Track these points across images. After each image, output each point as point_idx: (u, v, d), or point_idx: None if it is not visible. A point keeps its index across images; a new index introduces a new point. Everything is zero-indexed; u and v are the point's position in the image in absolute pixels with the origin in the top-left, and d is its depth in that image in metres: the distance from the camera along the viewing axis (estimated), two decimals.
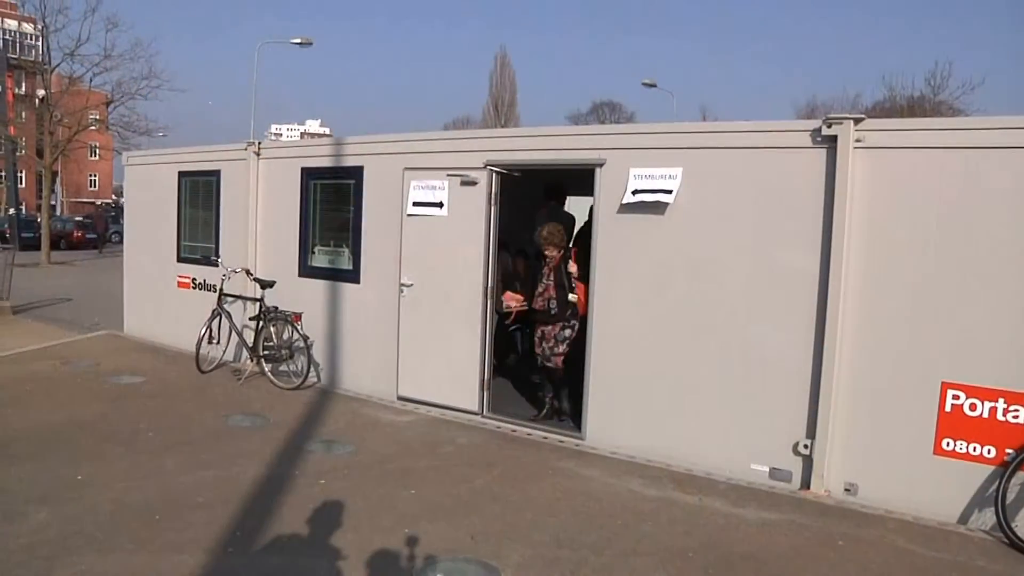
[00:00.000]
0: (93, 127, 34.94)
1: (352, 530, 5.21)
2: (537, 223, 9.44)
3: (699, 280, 6.76)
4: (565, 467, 6.68)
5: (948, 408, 5.84)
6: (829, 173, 6.20)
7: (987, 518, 5.65)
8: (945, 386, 5.85)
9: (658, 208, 6.86)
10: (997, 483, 5.55)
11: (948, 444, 5.85)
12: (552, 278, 7.71)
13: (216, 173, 10.79)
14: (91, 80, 31.29)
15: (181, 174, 11.40)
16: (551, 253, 7.74)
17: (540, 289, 7.81)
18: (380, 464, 6.63)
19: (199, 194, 11.19)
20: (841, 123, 6.13)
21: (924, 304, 5.93)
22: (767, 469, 6.49)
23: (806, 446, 6.31)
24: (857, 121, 6.12)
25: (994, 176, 5.71)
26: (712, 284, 6.70)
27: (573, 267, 7.58)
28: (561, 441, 7.38)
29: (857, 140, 6.08)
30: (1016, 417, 5.63)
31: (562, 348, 7.76)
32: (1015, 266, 5.63)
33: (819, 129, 6.25)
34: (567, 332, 7.74)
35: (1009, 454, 5.62)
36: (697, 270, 6.77)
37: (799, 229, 6.35)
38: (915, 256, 5.96)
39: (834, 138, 6.14)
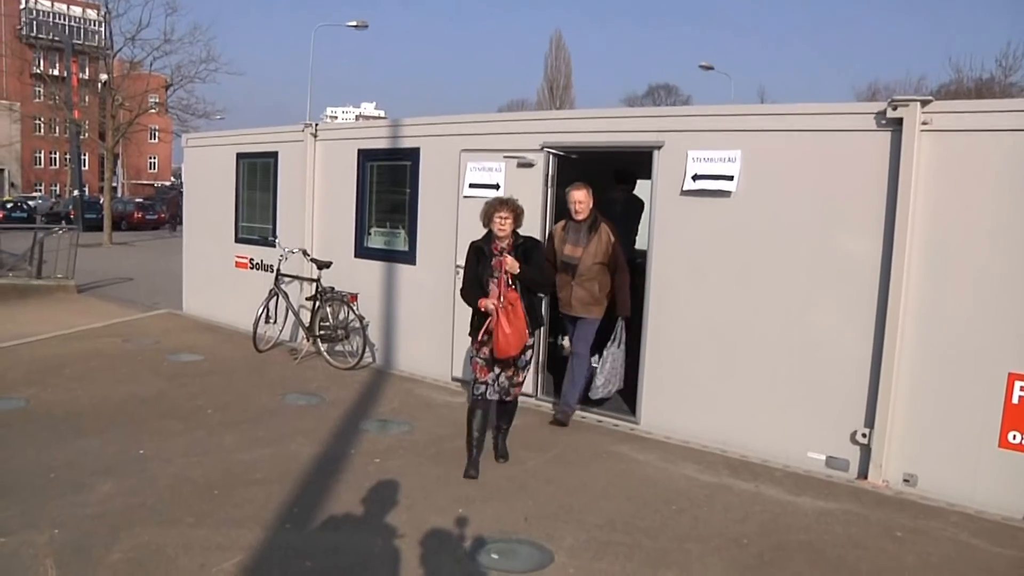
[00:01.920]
0: (153, 110, 35.71)
1: (406, 509, 5.25)
2: (608, 207, 9.47)
3: (757, 264, 6.66)
4: (619, 451, 6.65)
5: (1015, 400, 5.67)
6: (893, 157, 6.03)
7: None
8: (1012, 377, 5.67)
9: (719, 193, 6.76)
10: None
11: (1015, 437, 5.68)
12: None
13: (274, 155, 10.89)
14: (151, 64, 31.96)
15: (239, 156, 11.54)
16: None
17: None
18: (435, 444, 6.66)
19: (257, 175, 11.32)
20: (907, 105, 5.96)
21: (991, 293, 5.75)
22: (824, 457, 6.38)
23: (864, 435, 6.19)
24: (924, 103, 5.95)
25: None
26: (771, 269, 6.59)
27: (509, 262, 5.88)
28: (616, 425, 7.35)
29: (924, 123, 5.90)
30: None
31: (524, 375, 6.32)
32: None
33: (884, 111, 6.08)
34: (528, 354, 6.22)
35: None
36: (755, 254, 6.66)
37: (861, 214, 6.21)
38: (983, 243, 5.77)
39: (899, 121, 5.97)
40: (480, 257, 5.99)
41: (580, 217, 7.13)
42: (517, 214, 5.97)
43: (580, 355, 7.36)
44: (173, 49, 31.08)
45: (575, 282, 7.17)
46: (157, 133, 56.61)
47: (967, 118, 5.93)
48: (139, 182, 71.75)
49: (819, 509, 5.60)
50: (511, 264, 5.83)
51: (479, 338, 5.94)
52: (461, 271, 8.66)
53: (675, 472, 6.22)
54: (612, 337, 7.31)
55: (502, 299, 5.81)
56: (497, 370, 6.02)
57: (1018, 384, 5.66)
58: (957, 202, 5.87)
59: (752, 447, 6.64)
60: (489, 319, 5.83)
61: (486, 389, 6.03)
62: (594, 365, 7.47)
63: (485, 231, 6.08)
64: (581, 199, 7.10)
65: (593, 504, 5.50)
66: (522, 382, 6.28)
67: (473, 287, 6.00)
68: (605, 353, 7.33)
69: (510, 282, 5.92)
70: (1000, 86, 29.00)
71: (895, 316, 6.01)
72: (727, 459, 6.53)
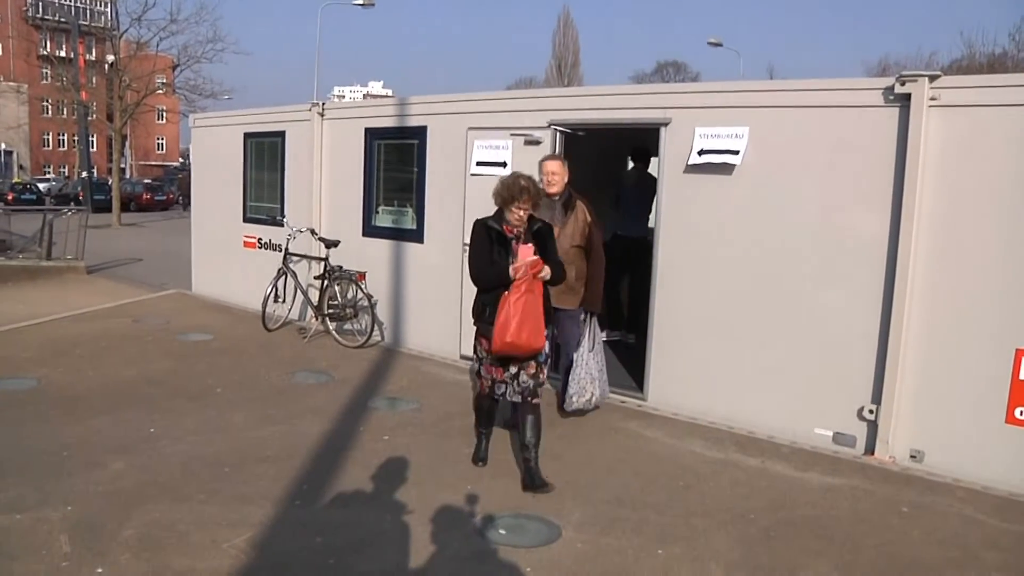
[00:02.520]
0: (160, 91, 35.64)
1: (416, 485, 5.29)
2: (624, 185, 9.46)
3: (765, 241, 6.65)
4: (627, 427, 6.68)
5: (1023, 376, 5.67)
6: (901, 132, 6.00)
7: None
8: (1020, 353, 5.66)
9: (724, 168, 6.74)
10: None
11: (1022, 413, 5.68)
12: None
13: (281, 134, 10.89)
14: (158, 44, 31.94)
15: (247, 135, 11.54)
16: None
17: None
18: (443, 421, 6.70)
19: (264, 155, 11.33)
20: (915, 80, 5.92)
21: (999, 269, 5.73)
22: (831, 434, 6.39)
23: (871, 411, 6.20)
24: (932, 78, 5.91)
25: None
26: (778, 245, 6.58)
27: (539, 267, 5.30)
28: (623, 401, 7.37)
29: (932, 98, 5.86)
30: None
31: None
32: None
33: (892, 87, 6.03)
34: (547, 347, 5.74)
35: None
36: (763, 230, 6.65)
37: (869, 190, 6.18)
38: (991, 219, 5.75)
39: (907, 96, 5.93)
40: (492, 240, 5.35)
41: (553, 190, 6.49)
42: (537, 203, 5.38)
43: (573, 353, 6.67)
44: (180, 29, 31.18)
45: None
46: (165, 114, 56.64)
47: (975, 93, 5.89)
48: (147, 163, 71.80)
49: (826, 485, 5.62)
50: (542, 270, 5.24)
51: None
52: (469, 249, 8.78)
53: (682, 448, 6.25)
54: (581, 338, 6.61)
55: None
56: (514, 368, 5.37)
57: None
58: (965, 178, 5.84)
59: (759, 424, 6.65)
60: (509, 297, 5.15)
61: (506, 389, 5.42)
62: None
63: (496, 210, 5.46)
64: (555, 170, 6.53)
65: (601, 480, 5.53)
66: (544, 380, 5.59)
67: (490, 267, 5.32)
68: (575, 358, 6.60)
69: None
70: (1013, 61, 28.66)
71: (902, 292, 6.00)
72: (734, 435, 6.55)
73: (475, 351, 5.61)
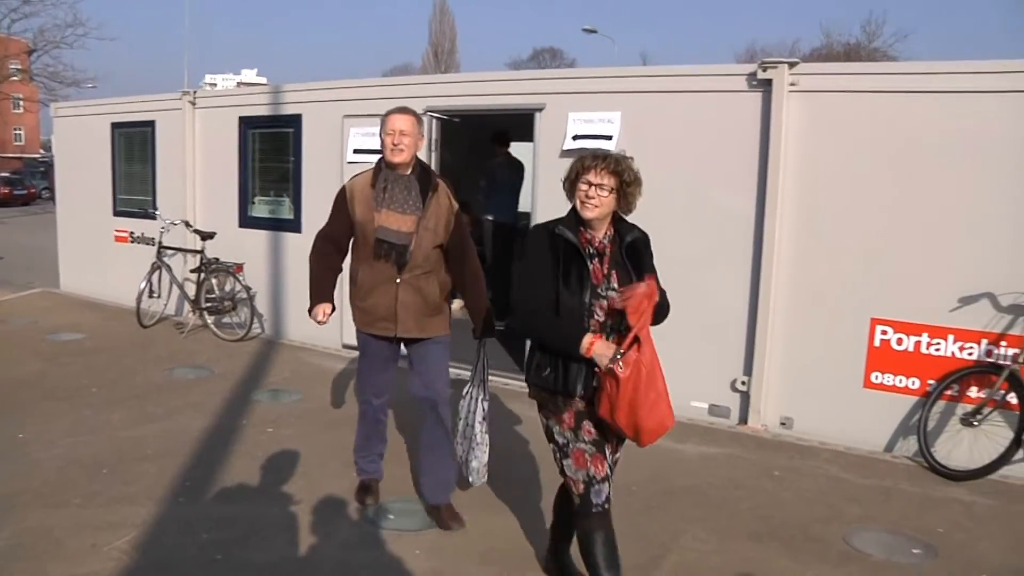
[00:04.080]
0: (15, 78, 33.83)
1: (302, 476, 5.28)
2: (489, 171, 9.47)
3: (640, 222, 6.84)
4: (511, 409, 6.80)
5: (877, 343, 6.09)
6: (764, 116, 6.34)
7: (911, 445, 5.95)
8: (874, 322, 6.08)
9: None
10: (920, 413, 5.83)
11: (876, 377, 6.10)
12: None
13: (151, 124, 10.57)
14: (9, 27, 30.20)
15: (114, 125, 11.14)
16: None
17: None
18: (328, 411, 6.70)
19: (134, 145, 10.97)
20: (776, 67, 6.25)
21: (855, 244, 6.13)
22: (707, 406, 6.69)
23: (743, 383, 6.52)
24: (791, 65, 6.25)
25: (921, 119, 5.89)
26: (653, 226, 6.74)
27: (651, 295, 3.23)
28: (506, 384, 7.48)
29: (791, 84, 6.21)
30: (938, 350, 5.92)
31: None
32: (938, 207, 5.85)
33: (755, 73, 6.36)
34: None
35: (931, 385, 5.91)
36: (637, 212, 6.85)
37: (736, 172, 6.48)
38: (847, 198, 6.15)
39: (769, 82, 6.26)
40: (559, 255, 3.40)
41: (399, 159, 4.45)
42: (626, 182, 3.45)
43: (440, 405, 4.68)
44: (34, 11, 29.69)
45: (402, 278, 4.50)
46: (22, 103, 53.71)
47: (830, 80, 6.29)
48: (4, 155, 68.08)
49: (703, 455, 5.90)
50: (650, 294, 3.23)
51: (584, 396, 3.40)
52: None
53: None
54: (472, 380, 4.60)
55: (621, 353, 3.19)
56: (612, 453, 3.53)
57: (879, 328, 6.07)
58: (824, 160, 6.21)
59: (690, 409, 6.88)
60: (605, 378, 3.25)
61: (609, 490, 3.44)
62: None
63: (569, 209, 3.52)
64: (405, 128, 4.46)
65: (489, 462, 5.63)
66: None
67: (548, 310, 3.37)
68: (463, 408, 4.57)
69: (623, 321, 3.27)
70: (866, 51, 30.50)
71: (769, 268, 6.33)
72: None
73: (550, 435, 3.55)
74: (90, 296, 11.52)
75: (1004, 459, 5.44)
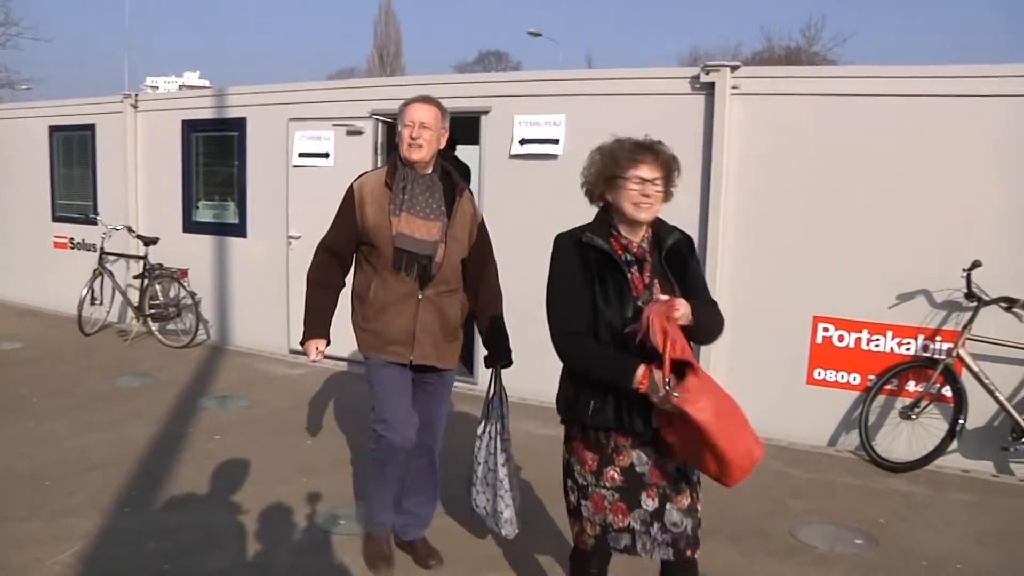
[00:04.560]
0: None
1: (251, 483, 5.24)
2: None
3: (576, 224, 6.92)
4: (459, 411, 6.80)
5: (819, 340, 6.24)
6: (708, 119, 6.45)
7: (852, 439, 6.12)
8: (816, 320, 6.23)
9: (545, 156, 6.99)
10: (861, 407, 5.99)
11: (819, 374, 6.26)
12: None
13: (91, 127, 10.37)
14: None
15: (52, 128, 10.90)
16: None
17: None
18: (275, 417, 6.65)
19: (73, 149, 10.76)
20: (718, 71, 6.37)
21: (797, 243, 6.28)
22: None
23: None
24: (733, 69, 6.38)
25: (858, 121, 6.05)
26: None
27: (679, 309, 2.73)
28: (455, 386, 7.48)
29: (733, 87, 6.34)
30: (877, 346, 6.09)
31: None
32: (876, 206, 6.01)
33: (698, 76, 6.48)
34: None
35: (871, 380, 6.07)
36: (581, 215, 6.90)
37: (682, 173, 6.56)
38: (788, 198, 6.29)
39: (712, 85, 6.38)
40: (590, 268, 2.94)
41: (418, 156, 3.88)
42: (671, 171, 3.04)
43: (436, 451, 4.34)
44: None
45: (424, 294, 3.94)
46: None
47: (771, 83, 6.43)
48: None
49: None
50: (681, 311, 2.71)
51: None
52: (294, 242, 8.85)
53: (515, 429, 6.37)
54: (486, 414, 3.96)
55: (669, 381, 2.64)
56: (652, 499, 2.91)
57: (821, 326, 6.21)
58: (765, 161, 6.35)
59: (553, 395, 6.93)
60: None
61: (635, 540, 2.93)
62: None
63: (597, 207, 3.17)
64: (426, 120, 3.89)
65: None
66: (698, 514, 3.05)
67: (589, 334, 2.88)
68: (480, 451, 3.93)
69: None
70: (806, 55, 31.11)
71: (713, 268, 6.44)
72: (528, 406, 6.78)
73: (568, 474, 3.08)
74: (29, 304, 11.26)
75: (940, 450, 5.62)
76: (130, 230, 9.56)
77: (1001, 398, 5.63)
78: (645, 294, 2.88)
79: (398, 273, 3.88)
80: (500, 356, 4.17)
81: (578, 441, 3.00)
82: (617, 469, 2.92)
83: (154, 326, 9.25)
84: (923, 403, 5.84)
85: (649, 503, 2.91)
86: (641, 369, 2.72)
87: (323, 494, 5.08)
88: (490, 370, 4.08)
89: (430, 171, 4.01)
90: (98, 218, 9.89)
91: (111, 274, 9.52)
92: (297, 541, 4.50)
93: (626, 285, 2.88)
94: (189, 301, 9.01)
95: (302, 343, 4.07)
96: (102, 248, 9.51)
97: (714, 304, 3.00)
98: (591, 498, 2.97)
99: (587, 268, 2.93)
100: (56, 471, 5.37)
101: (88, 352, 8.82)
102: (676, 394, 2.61)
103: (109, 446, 5.88)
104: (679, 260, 3.01)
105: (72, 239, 10.77)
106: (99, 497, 4.95)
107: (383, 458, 4.04)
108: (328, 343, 4.07)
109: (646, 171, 2.92)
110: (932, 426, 5.81)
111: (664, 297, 2.75)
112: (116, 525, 4.61)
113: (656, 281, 2.93)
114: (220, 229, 9.26)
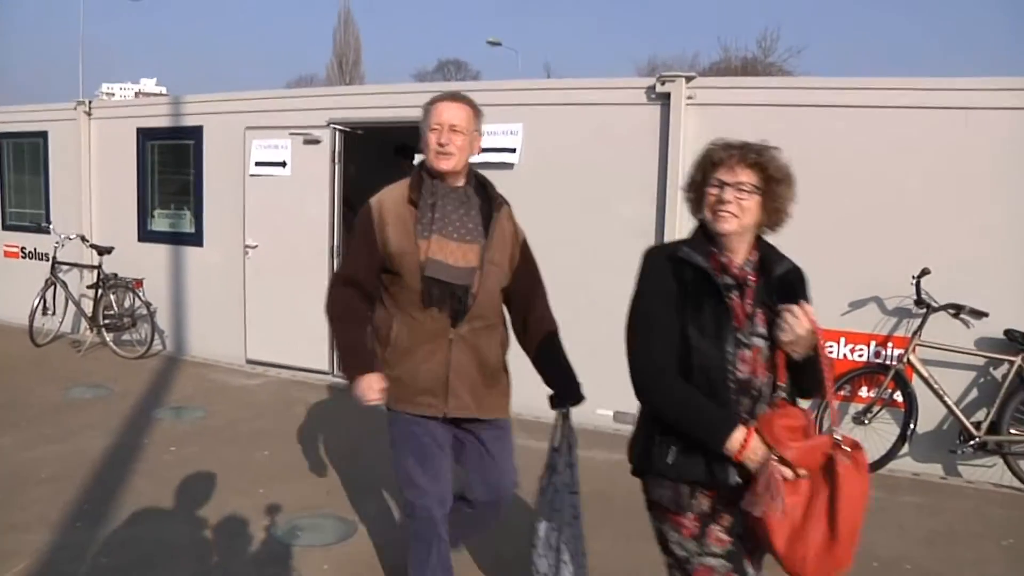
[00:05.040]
0: None
1: (207, 495, 5.18)
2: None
3: (541, 231, 6.90)
4: None
5: None
6: (664, 128, 6.53)
7: None
8: None
9: (503, 166, 7.01)
10: (816, 412, 6.05)
11: None
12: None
13: (43, 134, 10.22)
14: None
15: (2, 135, 10.72)
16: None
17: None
18: (232, 427, 6.59)
19: (24, 157, 10.58)
20: (674, 81, 6.45)
21: None
22: (612, 412, 6.81)
23: None
24: (688, 79, 6.47)
25: (811, 132, 6.15)
26: (556, 237, 6.88)
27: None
28: None
29: (688, 97, 6.43)
30: (831, 352, 6.18)
31: None
32: (829, 215, 6.10)
33: (654, 86, 6.56)
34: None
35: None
36: (538, 223, 6.93)
37: (637, 181, 6.65)
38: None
39: (668, 95, 6.47)
40: (687, 288, 2.50)
41: (448, 166, 3.28)
42: (773, 178, 2.67)
43: (504, 504, 3.74)
44: None
45: (457, 332, 3.31)
46: None
47: (725, 93, 6.53)
48: None
49: (610, 461, 5.99)
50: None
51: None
52: (251, 251, 8.87)
53: None
54: (551, 464, 3.56)
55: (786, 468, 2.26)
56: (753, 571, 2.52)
57: None
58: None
59: (544, 408, 6.89)
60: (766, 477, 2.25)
61: None
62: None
63: (695, 221, 2.63)
64: (457, 122, 3.30)
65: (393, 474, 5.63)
66: None
67: (677, 373, 2.45)
68: (543, 508, 3.44)
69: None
70: (762, 65, 31.56)
71: None
72: (521, 421, 6.78)
73: (665, 544, 2.60)
74: None
75: (891, 454, 5.73)
76: (84, 239, 9.42)
77: (949, 402, 5.76)
78: (747, 325, 2.42)
79: (426, 308, 3.20)
80: (568, 395, 3.66)
81: (664, 503, 2.52)
82: (721, 528, 2.45)
83: (108, 336, 9.11)
84: (875, 408, 5.96)
85: (752, 572, 2.48)
86: (741, 433, 2.28)
87: (280, 505, 5.03)
88: (555, 412, 3.60)
89: (462, 183, 3.34)
90: (51, 227, 9.74)
91: (64, 284, 9.37)
92: (254, 553, 4.46)
93: (725, 312, 2.40)
94: (144, 311, 8.90)
95: (350, 381, 3.29)
96: (55, 257, 9.36)
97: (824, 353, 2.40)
98: (697, 573, 2.46)
99: (682, 289, 2.45)
100: (5, 485, 5.27)
101: (40, 363, 8.67)
102: (799, 472, 2.24)
103: (61, 459, 5.78)
104: (790, 292, 2.48)
105: (23, 248, 10.59)
106: (50, 511, 4.86)
107: (424, 535, 3.34)
108: (382, 376, 3.26)
109: (726, 173, 2.50)
110: (884, 431, 5.91)
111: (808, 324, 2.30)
112: (68, 540, 4.53)
113: (760, 311, 2.44)
114: (176, 238, 9.16)
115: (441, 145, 3.22)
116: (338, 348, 3.48)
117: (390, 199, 3.29)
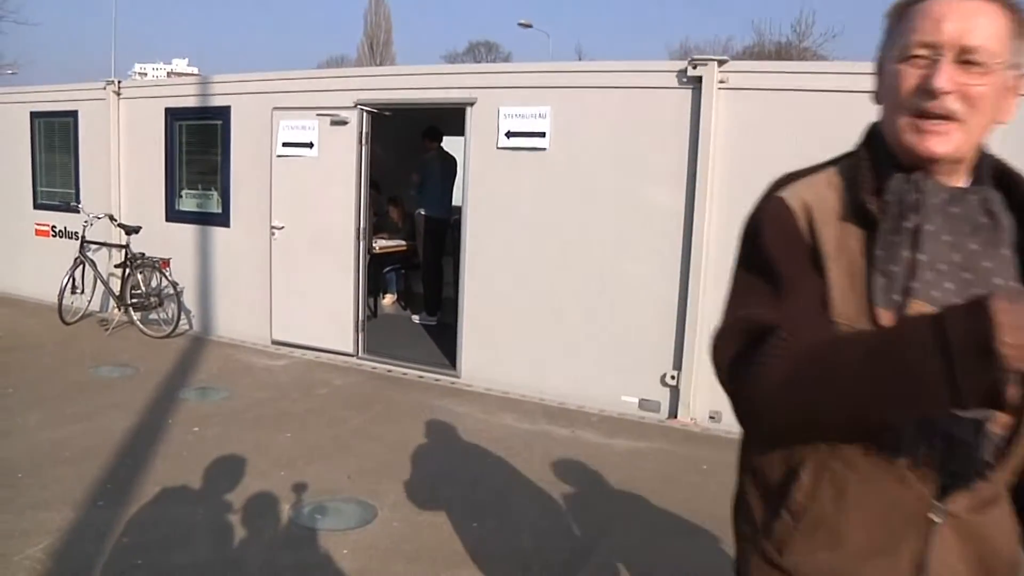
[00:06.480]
0: None
1: (228, 477, 5.18)
2: (422, 165, 9.47)
3: (570, 216, 6.89)
4: (441, 405, 6.78)
5: None
6: (694, 113, 6.40)
7: None
8: None
9: (532, 148, 6.94)
10: None
11: None
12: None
13: (73, 114, 10.24)
14: None
15: (34, 115, 10.76)
16: None
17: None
18: (255, 408, 6.59)
19: (55, 136, 10.62)
20: (706, 64, 6.33)
21: None
22: (637, 400, 6.74)
23: (673, 377, 6.58)
24: (721, 63, 6.35)
25: (843, 117, 5.99)
26: (583, 221, 6.83)
27: None
28: (437, 380, 7.47)
29: (720, 81, 6.29)
30: None
31: None
32: None
33: (685, 70, 6.43)
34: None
35: None
36: (568, 207, 6.89)
37: (666, 167, 6.54)
38: None
39: (699, 79, 6.33)
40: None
41: (944, 149, 1.36)
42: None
43: None
44: None
45: (951, 508, 1.37)
46: None
47: (757, 78, 6.39)
48: None
49: (632, 449, 5.94)
50: None
51: None
52: (277, 232, 8.86)
53: (495, 423, 6.41)
54: None
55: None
56: None
57: None
58: (750, 155, 6.28)
59: (568, 394, 6.91)
60: None
61: None
62: None
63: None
64: (981, 41, 1.31)
65: (416, 458, 5.61)
66: None
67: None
68: None
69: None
70: (796, 50, 31.12)
71: (698, 263, 6.40)
72: (545, 407, 6.78)
73: None
74: (8, 292, 11.14)
75: None
76: (112, 218, 9.47)
77: None
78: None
79: (889, 457, 1.38)
80: None
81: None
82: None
83: (135, 316, 9.15)
84: None
85: None
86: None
87: (301, 488, 5.02)
88: None
89: (968, 179, 1.47)
90: (80, 206, 9.79)
91: (92, 263, 9.42)
92: (273, 536, 4.44)
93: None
94: (171, 291, 8.92)
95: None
96: (83, 236, 9.41)
97: None
98: None
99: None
100: (29, 464, 5.30)
101: (68, 342, 8.73)
102: None
103: (85, 438, 5.81)
104: None
105: (54, 227, 10.66)
106: (73, 490, 4.88)
107: None
108: None
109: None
110: None
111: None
112: (89, 519, 4.54)
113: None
114: (203, 218, 9.17)
115: (934, 96, 1.36)
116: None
117: (817, 199, 1.57)
